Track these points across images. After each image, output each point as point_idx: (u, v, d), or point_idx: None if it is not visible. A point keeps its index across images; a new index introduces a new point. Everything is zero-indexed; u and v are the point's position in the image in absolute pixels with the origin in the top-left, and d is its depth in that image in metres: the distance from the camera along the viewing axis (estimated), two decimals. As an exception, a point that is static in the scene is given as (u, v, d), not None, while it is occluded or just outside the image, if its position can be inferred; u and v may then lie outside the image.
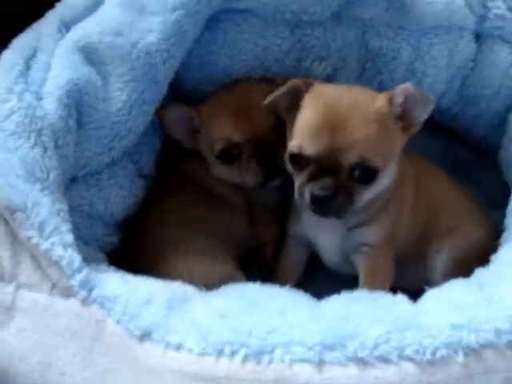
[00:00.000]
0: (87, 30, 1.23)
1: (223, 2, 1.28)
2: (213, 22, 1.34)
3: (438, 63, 1.45)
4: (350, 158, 1.16)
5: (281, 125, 1.31)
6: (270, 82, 1.39)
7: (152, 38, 1.22)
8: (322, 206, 1.18)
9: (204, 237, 1.35)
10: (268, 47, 1.38)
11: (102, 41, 1.22)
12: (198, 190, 1.43)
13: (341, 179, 1.17)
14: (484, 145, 1.62)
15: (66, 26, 1.27)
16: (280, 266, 1.48)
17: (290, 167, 1.24)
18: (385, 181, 1.25)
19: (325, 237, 1.37)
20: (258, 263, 1.50)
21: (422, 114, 1.23)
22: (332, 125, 1.15)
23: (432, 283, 1.29)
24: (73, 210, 1.24)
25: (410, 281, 1.39)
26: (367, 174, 1.19)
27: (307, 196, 1.18)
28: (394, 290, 1.32)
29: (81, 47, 1.22)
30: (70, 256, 1.02)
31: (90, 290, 1.01)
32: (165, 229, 1.35)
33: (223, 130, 1.35)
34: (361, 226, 1.32)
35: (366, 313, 0.99)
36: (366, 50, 1.43)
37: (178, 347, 0.93)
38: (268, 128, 1.36)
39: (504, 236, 1.29)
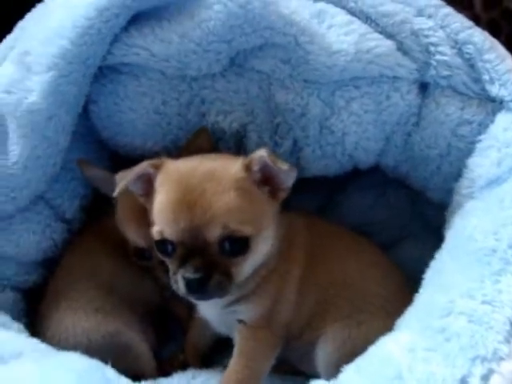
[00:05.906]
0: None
1: (102, 60, 1.23)
2: (114, 73, 1.30)
3: (360, 120, 1.23)
4: (214, 232, 1.06)
5: None
6: None
7: (33, 97, 1.23)
8: (199, 290, 1.07)
9: (105, 293, 1.33)
10: (167, 101, 1.30)
11: (-2, 98, 1.28)
12: (113, 244, 1.40)
13: (211, 256, 1.07)
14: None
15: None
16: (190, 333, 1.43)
17: (159, 255, 1.15)
18: (263, 249, 1.14)
19: (206, 311, 1.28)
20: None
21: (287, 180, 1.12)
22: (188, 203, 1.06)
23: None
24: (-17, 250, 1.35)
25: (312, 367, 1.24)
26: (238, 244, 1.08)
27: (181, 283, 1.07)
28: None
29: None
30: None
31: None
32: (67, 277, 1.36)
33: (130, 233, 1.35)
34: (238, 301, 1.21)
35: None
36: (276, 104, 1.27)
37: None
38: None
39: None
